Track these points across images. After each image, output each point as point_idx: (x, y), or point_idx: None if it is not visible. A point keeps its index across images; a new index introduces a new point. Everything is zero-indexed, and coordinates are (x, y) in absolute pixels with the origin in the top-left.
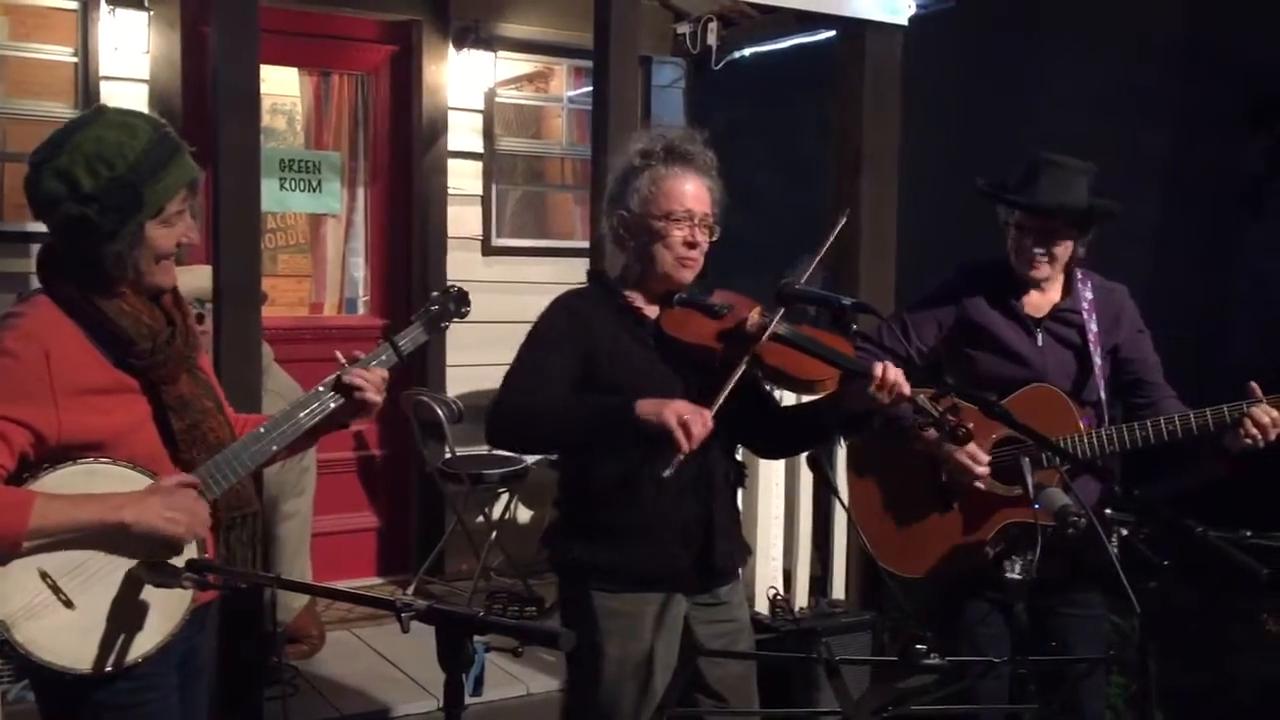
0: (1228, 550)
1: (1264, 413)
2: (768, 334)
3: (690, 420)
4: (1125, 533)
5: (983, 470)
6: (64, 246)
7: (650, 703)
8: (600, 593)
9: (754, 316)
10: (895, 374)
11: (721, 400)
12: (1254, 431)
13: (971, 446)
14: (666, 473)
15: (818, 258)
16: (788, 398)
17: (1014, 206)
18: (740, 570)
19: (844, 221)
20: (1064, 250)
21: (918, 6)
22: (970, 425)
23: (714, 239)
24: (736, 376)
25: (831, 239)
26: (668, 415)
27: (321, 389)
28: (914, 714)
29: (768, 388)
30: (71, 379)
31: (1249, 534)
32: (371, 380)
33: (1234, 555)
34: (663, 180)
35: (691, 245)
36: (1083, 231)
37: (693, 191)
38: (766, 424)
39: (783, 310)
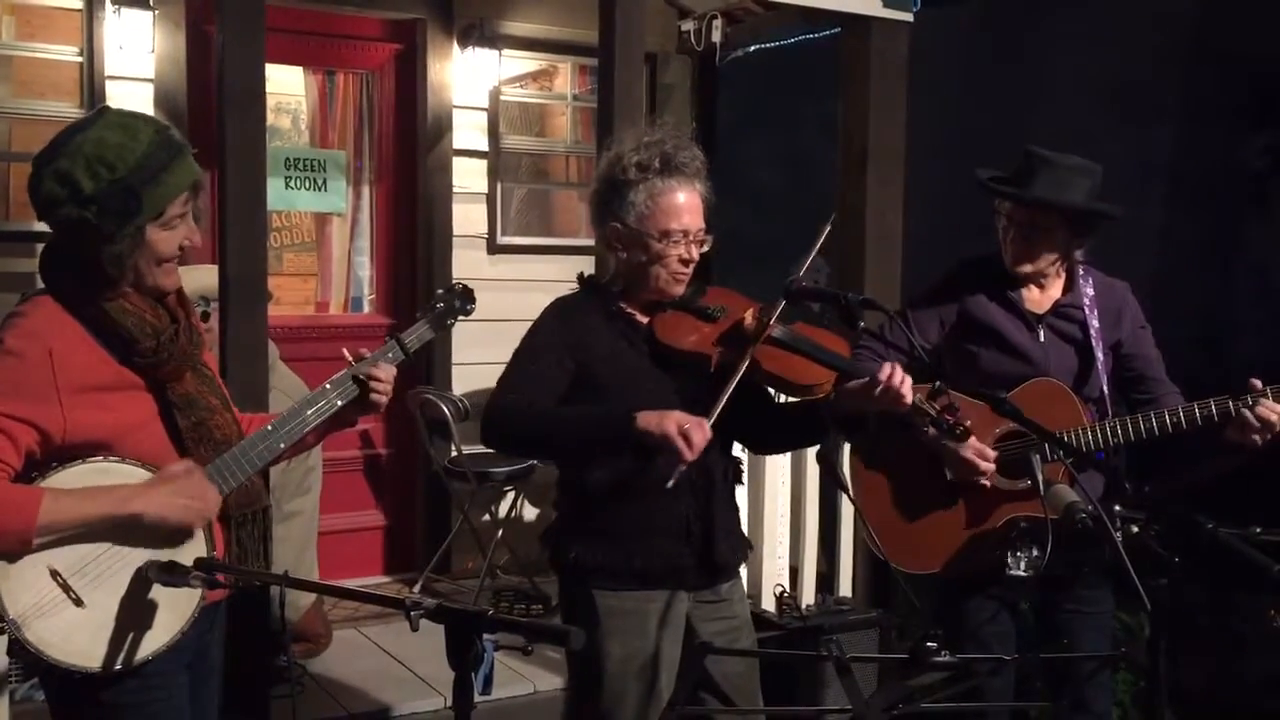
0: (1238, 546)
1: (1269, 409)
2: (764, 338)
3: (691, 430)
4: (1135, 529)
5: (989, 467)
6: (65, 247)
7: (655, 701)
8: (602, 592)
9: (749, 320)
10: (900, 378)
11: (721, 406)
12: (1255, 424)
13: (976, 442)
14: (670, 483)
15: (813, 252)
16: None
17: (1003, 197)
18: (743, 566)
19: (832, 222)
20: (1047, 250)
21: (923, 2)
22: (968, 423)
23: (706, 249)
24: (735, 381)
25: (823, 237)
26: (669, 425)
27: (328, 387)
28: (924, 712)
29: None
30: (75, 377)
31: (1259, 529)
32: (385, 377)
33: (1244, 551)
34: (659, 196)
35: (686, 263)
36: (1075, 234)
37: (688, 203)
38: (763, 421)
39: (779, 309)
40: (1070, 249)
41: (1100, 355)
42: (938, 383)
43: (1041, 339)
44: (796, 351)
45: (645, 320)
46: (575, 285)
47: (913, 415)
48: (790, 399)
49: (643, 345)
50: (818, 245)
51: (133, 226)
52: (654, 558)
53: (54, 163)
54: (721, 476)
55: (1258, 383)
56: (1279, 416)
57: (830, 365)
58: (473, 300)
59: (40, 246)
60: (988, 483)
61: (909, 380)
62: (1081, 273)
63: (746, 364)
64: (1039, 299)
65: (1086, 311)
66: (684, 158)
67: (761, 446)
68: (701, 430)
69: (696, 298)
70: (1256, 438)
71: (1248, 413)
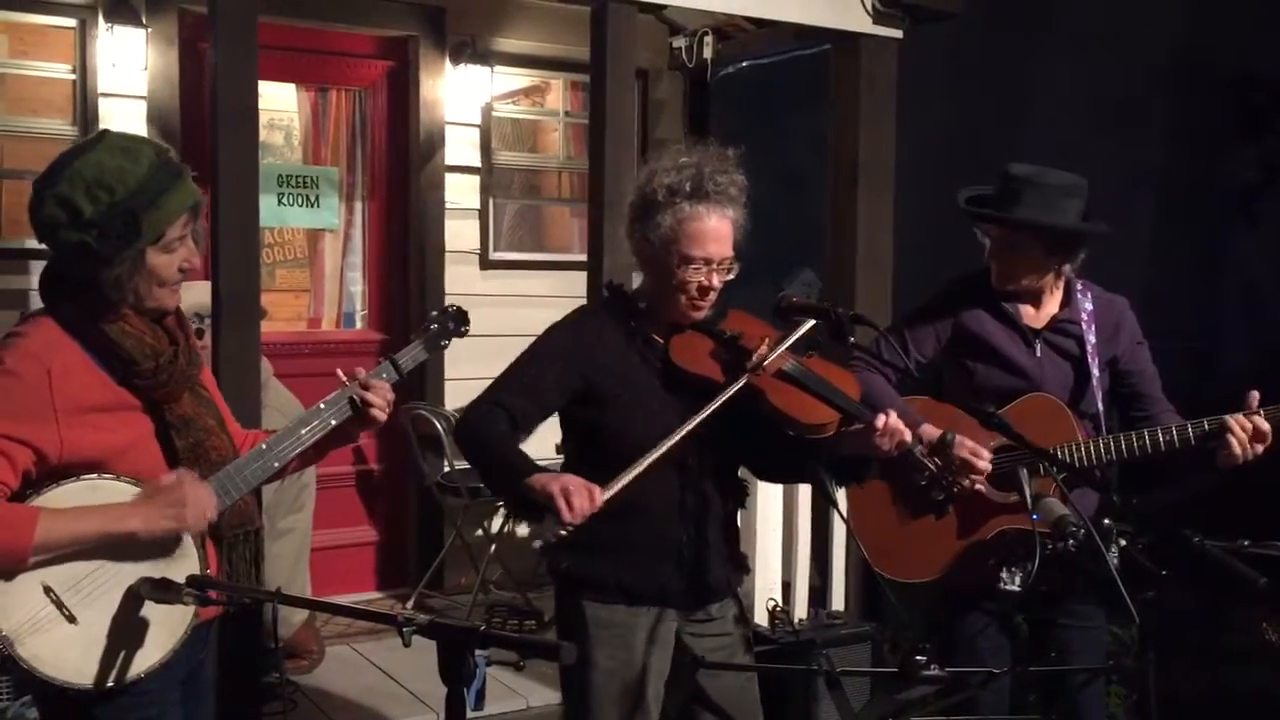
0: (1226, 559)
1: (1238, 424)
2: (774, 371)
3: (573, 493)
4: (1124, 543)
5: (984, 466)
6: (65, 270)
7: (640, 714)
8: (592, 603)
9: (762, 349)
10: (897, 422)
11: (682, 435)
12: (1243, 438)
13: (972, 443)
14: (536, 543)
15: (793, 337)
16: None
17: (989, 222)
18: (736, 588)
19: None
20: (1032, 271)
21: (912, 20)
22: (967, 482)
23: (732, 277)
24: (717, 404)
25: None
26: (553, 487)
27: (323, 406)
28: None
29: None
30: (73, 397)
31: (1247, 543)
32: (386, 397)
33: (1232, 564)
34: (686, 221)
35: (705, 291)
36: (1052, 253)
37: (715, 230)
38: (765, 451)
39: (789, 341)
40: (1051, 266)
41: (1096, 371)
42: (947, 435)
43: (1038, 354)
44: (804, 388)
45: (662, 340)
46: (562, 299)
47: (911, 465)
48: (792, 434)
49: (656, 364)
50: (795, 337)
51: (133, 250)
52: (642, 576)
53: (54, 186)
54: (720, 501)
55: (1256, 395)
56: (1265, 428)
57: (837, 407)
58: (466, 322)
59: (35, 263)
60: (981, 488)
61: (901, 423)
62: (1080, 288)
63: (737, 389)
64: (1036, 314)
65: (1083, 327)
66: (719, 182)
67: (761, 475)
68: (585, 496)
69: (716, 320)
70: (1249, 451)
71: (1235, 425)
